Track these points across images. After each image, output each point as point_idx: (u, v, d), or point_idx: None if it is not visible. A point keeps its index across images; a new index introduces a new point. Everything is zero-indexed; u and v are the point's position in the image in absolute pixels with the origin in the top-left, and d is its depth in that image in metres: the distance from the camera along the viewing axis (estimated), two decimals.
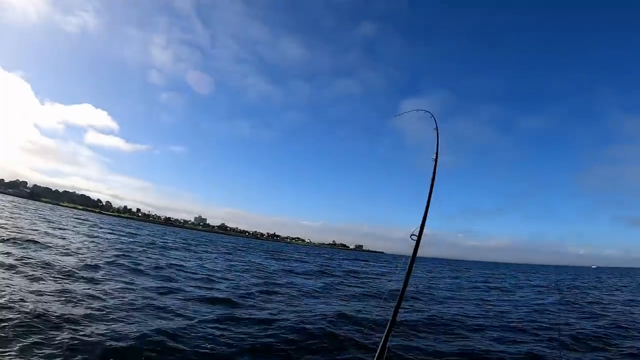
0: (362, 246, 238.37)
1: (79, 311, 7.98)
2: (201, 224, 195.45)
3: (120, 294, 10.27)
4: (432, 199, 3.29)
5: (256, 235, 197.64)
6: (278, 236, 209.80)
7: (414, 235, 3.20)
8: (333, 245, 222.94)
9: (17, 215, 36.81)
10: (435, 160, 3.44)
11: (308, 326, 8.99)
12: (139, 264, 16.90)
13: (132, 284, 12.18)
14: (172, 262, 20.26)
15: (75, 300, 8.83)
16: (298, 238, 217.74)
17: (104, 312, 8.21)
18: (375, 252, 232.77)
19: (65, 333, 6.54)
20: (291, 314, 10.46)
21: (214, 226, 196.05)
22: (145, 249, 26.38)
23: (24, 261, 12.54)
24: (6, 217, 32.04)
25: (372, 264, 48.92)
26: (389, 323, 3.14)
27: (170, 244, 36.88)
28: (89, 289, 10.30)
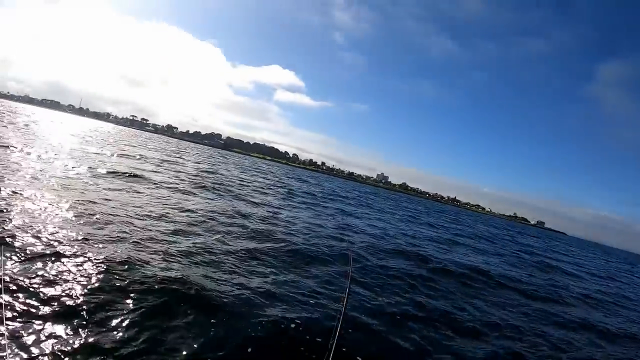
0: (543, 223, 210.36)
1: None
2: (383, 181, 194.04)
3: None
4: None
5: (436, 198, 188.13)
6: (458, 201, 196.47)
7: None
8: (514, 217, 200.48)
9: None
10: None
11: None
12: None
13: None
14: None
15: None
16: (478, 205, 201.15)
17: None
18: (557, 231, 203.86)
19: None
20: None
21: (395, 184, 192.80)
22: None
23: None
24: None
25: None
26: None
27: None
28: None
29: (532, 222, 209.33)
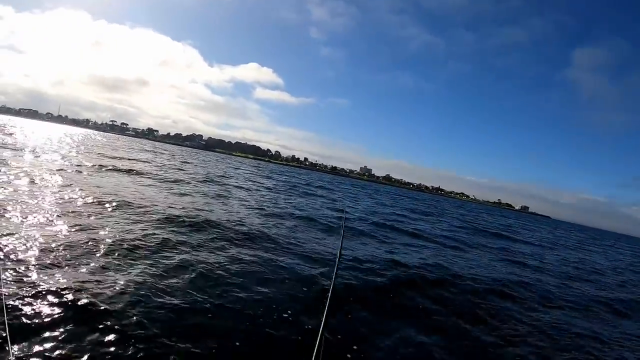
0: (527, 208, 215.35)
1: None
2: (366, 174, 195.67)
3: None
4: None
5: (420, 188, 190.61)
6: (442, 190, 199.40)
7: None
8: (498, 204, 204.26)
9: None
10: None
11: None
12: None
13: None
14: None
15: None
16: (462, 193, 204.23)
17: None
18: (542, 215, 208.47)
19: None
20: None
21: (378, 177, 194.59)
22: None
23: None
24: None
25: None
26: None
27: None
28: None
29: (517, 207, 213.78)
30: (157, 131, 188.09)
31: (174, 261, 5.20)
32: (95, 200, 8.17)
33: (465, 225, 21.11)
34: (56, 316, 3.28)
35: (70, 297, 3.59)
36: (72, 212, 6.87)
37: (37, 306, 3.35)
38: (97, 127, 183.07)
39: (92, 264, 4.57)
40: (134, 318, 3.50)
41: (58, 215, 6.40)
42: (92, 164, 15.64)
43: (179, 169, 22.94)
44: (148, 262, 5.00)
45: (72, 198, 8.10)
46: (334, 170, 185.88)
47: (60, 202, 7.55)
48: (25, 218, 5.91)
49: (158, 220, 7.47)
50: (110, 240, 5.49)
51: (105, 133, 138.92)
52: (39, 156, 15.79)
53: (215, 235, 7.10)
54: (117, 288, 3.98)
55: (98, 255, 4.92)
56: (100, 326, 3.27)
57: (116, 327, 3.31)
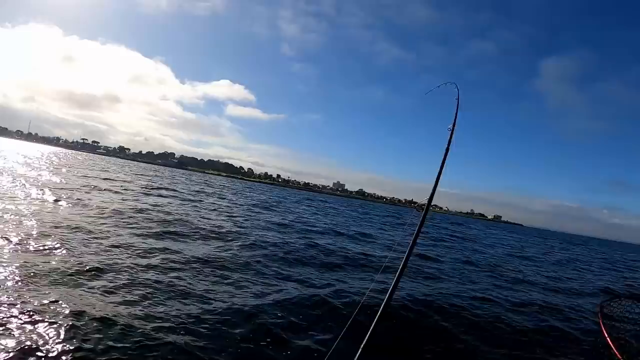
0: (500, 217, 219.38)
1: None
2: (339, 189, 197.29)
3: None
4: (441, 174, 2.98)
5: (394, 202, 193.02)
6: (415, 202, 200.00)
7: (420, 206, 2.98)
8: (471, 214, 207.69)
9: None
10: (451, 132, 3.13)
11: None
12: None
13: None
14: None
15: None
16: (435, 205, 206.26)
17: None
18: (514, 224, 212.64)
19: None
20: None
21: (352, 192, 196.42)
22: None
23: None
24: None
25: None
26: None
27: None
28: None
29: (490, 217, 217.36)
30: (129, 149, 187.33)
31: None
32: None
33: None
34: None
35: None
36: None
37: None
38: (67, 145, 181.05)
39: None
40: None
41: None
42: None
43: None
44: None
45: None
46: (306, 185, 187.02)
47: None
48: None
49: None
50: None
51: (76, 152, 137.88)
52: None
53: None
54: None
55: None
56: None
57: None
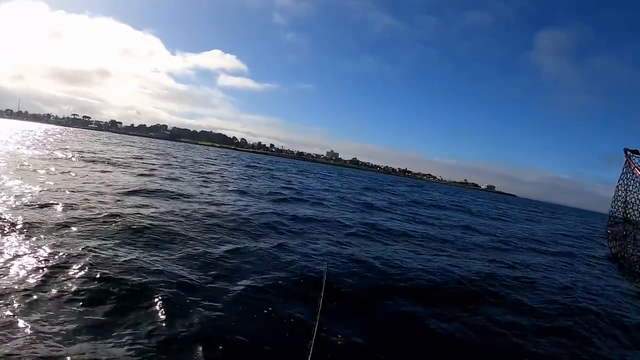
0: (494, 187, 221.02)
1: None
2: (333, 158, 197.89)
3: None
4: None
5: (387, 171, 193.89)
6: (409, 172, 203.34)
7: None
8: (465, 184, 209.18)
9: None
10: None
11: None
12: None
13: None
14: None
15: None
16: (429, 175, 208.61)
17: None
18: (508, 194, 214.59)
19: None
20: None
21: (345, 160, 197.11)
22: None
23: None
24: None
25: None
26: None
27: None
28: None
29: (483, 187, 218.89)
30: (121, 123, 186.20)
31: None
32: None
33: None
34: None
35: None
36: None
37: None
38: (58, 121, 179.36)
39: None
40: None
41: None
42: None
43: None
44: None
45: None
46: (300, 155, 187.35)
47: None
48: None
49: None
50: None
51: (67, 127, 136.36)
52: None
53: None
54: None
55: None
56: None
57: None
